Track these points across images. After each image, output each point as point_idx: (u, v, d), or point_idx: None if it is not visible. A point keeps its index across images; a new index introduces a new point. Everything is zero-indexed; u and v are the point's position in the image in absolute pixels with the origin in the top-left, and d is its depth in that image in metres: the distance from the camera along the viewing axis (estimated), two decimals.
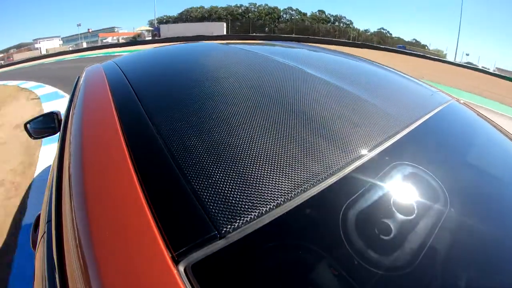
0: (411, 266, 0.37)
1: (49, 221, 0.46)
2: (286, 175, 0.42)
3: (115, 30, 37.51)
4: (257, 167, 0.43)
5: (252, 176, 0.41)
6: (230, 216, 0.35)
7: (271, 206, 0.38)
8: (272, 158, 0.45)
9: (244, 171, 0.42)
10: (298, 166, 0.44)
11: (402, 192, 0.47)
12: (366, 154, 0.50)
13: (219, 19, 35.59)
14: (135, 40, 28.94)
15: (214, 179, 0.40)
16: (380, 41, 35.04)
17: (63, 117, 0.78)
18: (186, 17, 37.30)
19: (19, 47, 34.16)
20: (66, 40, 36.49)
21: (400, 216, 0.43)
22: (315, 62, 0.96)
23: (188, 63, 0.92)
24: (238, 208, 0.36)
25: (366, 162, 0.48)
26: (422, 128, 0.63)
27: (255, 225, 0.35)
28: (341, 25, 39.83)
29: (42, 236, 0.50)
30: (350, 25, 39.97)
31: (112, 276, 0.31)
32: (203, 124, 0.51)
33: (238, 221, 0.35)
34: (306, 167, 0.44)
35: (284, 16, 39.28)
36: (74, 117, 0.65)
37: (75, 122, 0.62)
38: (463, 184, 0.57)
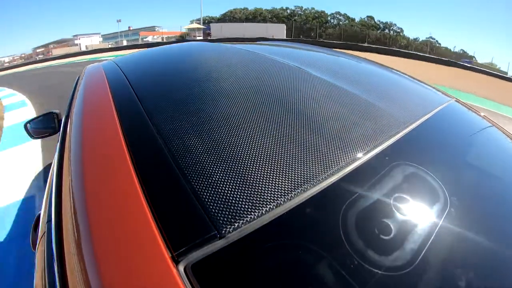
0: (411, 266, 0.38)
1: (49, 221, 0.46)
2: (286, 175, 0.42)
3: (156, 29, 35.95)
4: (257, 167, 0.43)
5: (252, 176, 0.41)
6: (230, 216, 0.35)
7: (271, 206, 0.38)
8: (272, 158, 0.45)
9: (244, 171, 0.42)
10: (298, 166, 0.44)
11: (402, 192, 0.47)
12: (367, 154, 0.50)
13: (264, 21, 33.27)
14: (183, 39, 26.54)
15: (214, 179, 0.40)
16: (430, 51, 31.57)
17: (63, 117, 0.79)
18: (229, 18, 35.46)
19: (60, 42, 33.12)
20: (106, 37, 35.26)
21: (400, 216, 0.43)
22: (315, 62, 0.95)
23: (188, 63, 0.92)
24: (238, 208, 0.36)
25: (366, 162, 0.49)
26: (422, 128, 0.64)
27: (255, 225, 0.36)
28: (391, 32, 36.53)
29: (42, 236, 0.50)
30: (401, 33, 36.61)
31: (112, 276, 0.31)
32: (203, 124, 0.52)
33: (238, 221, 0.35)
34: (306, 167, 0.44)
35: (332, 21, 36.50)
36: (74, 117, 0.65)
37: (75, 122, 0.62)
38: (463, 184, 0.58)
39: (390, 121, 0.61)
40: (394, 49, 22.35)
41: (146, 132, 0.50)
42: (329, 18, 36.45)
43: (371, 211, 0.43)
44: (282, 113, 0.56)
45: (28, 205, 2.06)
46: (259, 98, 0.62)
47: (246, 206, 0.37)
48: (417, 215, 0.44)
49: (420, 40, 35.44)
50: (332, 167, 0.45)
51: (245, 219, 0.35)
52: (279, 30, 27.21)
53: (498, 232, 0.50)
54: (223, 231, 0.34)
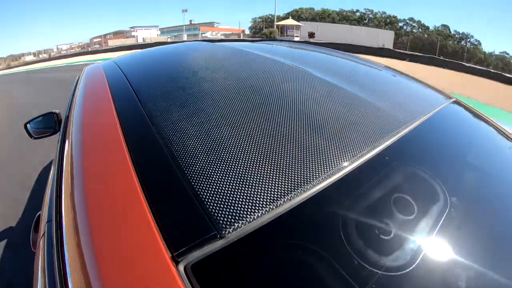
0: (411, 266, 0.38)
1: (49, 221, 0.46)
2: (286, 175, 0.42)
3: (214, 25, 33.70)
4: (257, 167, 0.43)
5: (252, 176, 0.41)
6: (230, 216, 0.36)
7: (271, 206, 0.38)
8: (272, 158, 0.45)
9: (244, 171, 0.42)
10: (298, 166, 0.44)
11: (402, 192, 0.48)
12: (367, 154, 0.50)
13: (333, 23, 30.20)
14: (267, 38, 18.54)
15: (214, 179, 0.40)
16: (504, 67, 27.16)
17: (63, 117, 0.81)
18: (294, 17, 32.46)
19: (117, 33, 31.43)
20: (164, 31, 33.39)
21: (400, 216, 0.43)
22: (315, 62, 0.97)
23: (188, 63, 0.93)
24: (238, 208, 0.37)
25: (366, 162, 0.49)
26: (423, 128, 0.65)
27: (255, 225, 0.36)
28: (468, 44, 32.44)
29: (42, 236, 0.50)
30: (478, 46, 32.46)
31: (112, 276, 0.31)
32: (203, 124, 0.52)
33: (238, 221, 0.35)
34: (307, 168, 0.44)
35: (405, 27, 32.88)
36: (74, 117, 0.66)
37: (75, 122, 0.63)
38: (464, 184, 0.59)
39: (391, 121, 0.61)
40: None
41: (146, 132, 0.50)
42: (401, 24, 33.00)
43: (371, 211, 0.43)
44: (283, 114, 0.57)
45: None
46: (259, 98, 0.63)
47: (246, 207, 0.37)
48: (417, 216, 0.44)
49: (495, 54, 31.47)
50: (332, 167, 0.45)
51: (245, 219, 0.36)
52: (388, 37, 22.98)
53: (498, 232, 0.50)
54: (223, 231, 0.34)
